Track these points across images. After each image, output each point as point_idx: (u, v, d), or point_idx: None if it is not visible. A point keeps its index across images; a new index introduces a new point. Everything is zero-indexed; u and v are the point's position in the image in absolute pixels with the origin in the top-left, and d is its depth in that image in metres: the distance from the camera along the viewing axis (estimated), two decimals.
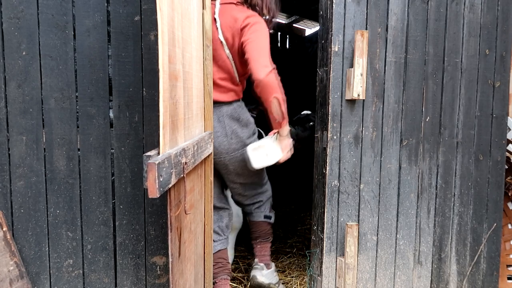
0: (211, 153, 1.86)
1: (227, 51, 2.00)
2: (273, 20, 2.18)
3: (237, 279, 2.57)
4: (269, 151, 2.00)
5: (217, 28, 1.98)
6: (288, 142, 2.07)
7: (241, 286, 2.49)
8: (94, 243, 1.86)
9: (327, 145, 2.10)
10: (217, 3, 2.05)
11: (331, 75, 2.07)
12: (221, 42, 1.99)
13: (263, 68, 1.78)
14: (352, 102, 2.10)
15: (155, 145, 1.86)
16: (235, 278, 2.57)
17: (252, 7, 2.09)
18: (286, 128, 2.01)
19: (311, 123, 2.61)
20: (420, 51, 2.20)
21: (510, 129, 2.80)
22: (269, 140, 2.05)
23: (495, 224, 2.39)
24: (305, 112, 2.72)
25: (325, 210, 2.13)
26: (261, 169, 2.24)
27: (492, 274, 2.42)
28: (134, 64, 1.83)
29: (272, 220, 2.41)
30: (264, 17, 2.10)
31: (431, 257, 2.32)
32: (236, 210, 2.69)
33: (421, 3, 2.18)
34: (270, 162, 2.01)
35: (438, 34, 2.22)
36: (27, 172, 1.75)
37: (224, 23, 1.98)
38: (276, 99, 1.84)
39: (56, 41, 1.74)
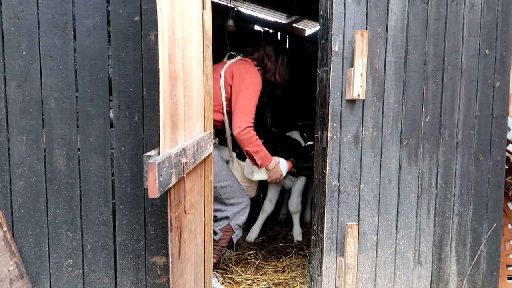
0: (211, 153, 1.86)
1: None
2: (283, 83, 2.71)
3: (236, 271, 2.57)
4: (256, 172, 2.60)
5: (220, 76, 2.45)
6: (273, 174, 2.58)
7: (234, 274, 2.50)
8: (94, 243, 1.86)
9: (327, 145, 2.10)
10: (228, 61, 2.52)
11: (331, 75, 2.07)
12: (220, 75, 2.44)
13: (237, 128, 2.27)
14: (352, 102, 2.10)
15: (155, 145, 1.86)
16: (232, 271, 2.58)
17: (266, 71, 2.62)
18: (269, 166, 2.49)
19: (313, 152, 2.92)
20: (420, 51, 2.20)
21: (510, 129, 2.81)
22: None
23: (495, 224, 2.39)
24: (309, 143, 3.11)
25: (325, 210, 2.13)
26: (233, 183, 2.48)
27: (492, 274, 2.42)
28: (134, 64, 1.83)
29: (216, 237, 2.41)
30: (273, 81, 2.67)
31: (431, 257, 2.32)
32: (270, 197, 3.30)
33: (421, 3, 2.18)
34: (253, 178, 2.62)
35: (438, 34, 2.22)
36: (27, 172, 1.75)
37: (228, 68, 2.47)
38: (249, 151, 2.31)
39: (56, 41, 1.74)
